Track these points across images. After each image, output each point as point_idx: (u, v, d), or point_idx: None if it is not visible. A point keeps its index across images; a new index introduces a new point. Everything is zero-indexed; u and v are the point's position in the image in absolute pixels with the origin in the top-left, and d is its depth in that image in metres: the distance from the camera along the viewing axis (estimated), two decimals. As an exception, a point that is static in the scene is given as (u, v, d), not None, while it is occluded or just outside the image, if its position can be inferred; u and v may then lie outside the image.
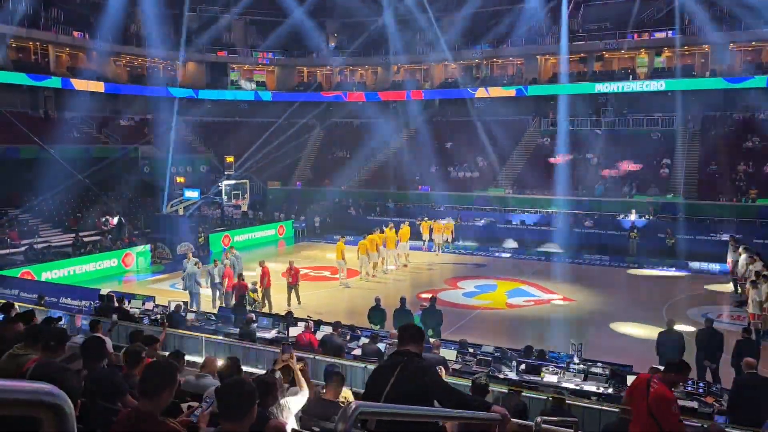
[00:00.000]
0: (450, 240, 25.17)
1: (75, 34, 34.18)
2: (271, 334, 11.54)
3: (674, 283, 20.51)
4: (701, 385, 8.85)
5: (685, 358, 10.38)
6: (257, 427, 3.26)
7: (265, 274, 16.03)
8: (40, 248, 22.35)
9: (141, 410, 2.81)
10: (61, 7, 34.38)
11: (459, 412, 2.62)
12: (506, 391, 7.60)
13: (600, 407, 7.36)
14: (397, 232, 22.08)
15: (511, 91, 36.29)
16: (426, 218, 26.13)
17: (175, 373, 2.96)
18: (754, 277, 14.40)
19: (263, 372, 6.94)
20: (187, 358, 7.86)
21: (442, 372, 6.27)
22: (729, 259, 19.46)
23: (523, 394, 7.66)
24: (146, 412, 2.77)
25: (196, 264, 15.89)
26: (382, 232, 21.40)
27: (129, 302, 13.28)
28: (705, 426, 6.65)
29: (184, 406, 4.61)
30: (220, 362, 5.82)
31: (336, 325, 10.61)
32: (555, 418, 4.72)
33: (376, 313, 12.95)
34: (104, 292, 14.55)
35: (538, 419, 3.48)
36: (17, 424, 1.21)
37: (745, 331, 10.64)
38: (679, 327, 11.24)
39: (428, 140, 35.89)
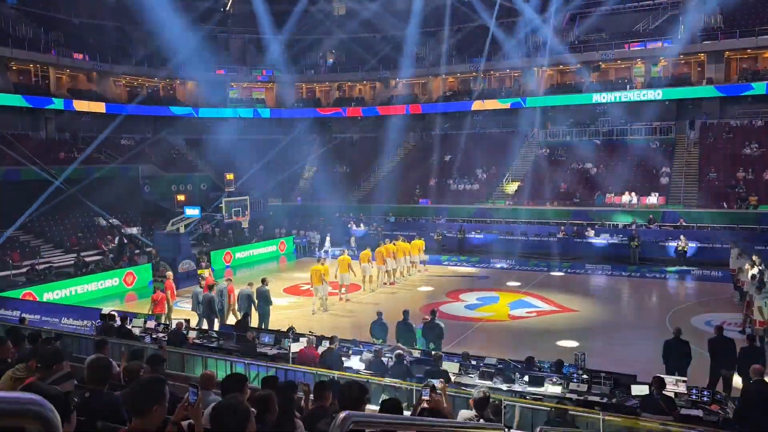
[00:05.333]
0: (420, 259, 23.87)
1: (75, 55, 34.46)
2: (273, 350, 11.51)
3: (677, 291, 20.46)
4: (705, 393, 8.78)
5: (692, 366, 10.37)
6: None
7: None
8: (42, 269, 22.37)
9: (135, 428, 2.79)
10: (61, 29, 34.70)
11: (457, 423, 2.61)
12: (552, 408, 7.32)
13: (603, 417, 7.31)
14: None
15: (508, 104, 36.48)
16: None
17: (163, 388, 2.92)
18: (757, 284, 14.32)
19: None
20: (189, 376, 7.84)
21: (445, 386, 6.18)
22: (731, 267, 19.41)
23: (525, 405, 7.62)
24: (140, 429, 2.76)
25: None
26: (394, 243, 21.78)
27: (131, 321, 13.25)
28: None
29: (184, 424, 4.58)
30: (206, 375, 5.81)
31: (333, 339, 10.57)
32: (558, 429, 4.68)
33: (378, 327, 12.91)
34: (106, 311, 14.52)
35: (538, 430, 3.46)
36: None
37: (749, 338, 10.59)
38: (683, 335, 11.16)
39: (427, 153, 36.00)
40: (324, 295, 17.78)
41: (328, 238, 27.97)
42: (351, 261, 19.46)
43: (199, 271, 22.30)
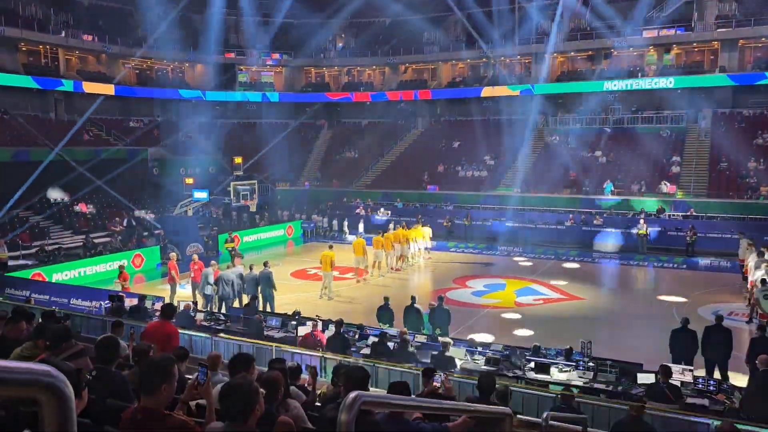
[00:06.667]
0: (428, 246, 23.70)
1: (85, 37, 34.43)
2: (280, 333, 11.58)
3: (685, 281, 20.36)
4: (712, 382, 8.78)
5: (699, 356, 10.37)
6: (265, 423, 3.26)
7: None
8: (51, 250, 22.52)
9: (144, 407, 2.81)
10: (71, 10, 34.64)
11: (466, 405, 2.62)
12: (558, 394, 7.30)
13: (609, 404, 7.32)
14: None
15: (517, 91, 36.20)
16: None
17: (171, 368, 2.93)
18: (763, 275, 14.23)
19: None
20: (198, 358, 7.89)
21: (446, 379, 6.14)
22: (740, 257, 19.30)
23: (532, 391, 7.63)
24: (149, 408, 2.78)
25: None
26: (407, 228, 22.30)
27: (143, 302, 13.36)
28: (716, 424, 6.62)
29: (192, 404, 4.61)
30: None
31: (339, 323, 10.62)
32: (564, 414, 4.69)
33: (385, 312, 12.96)
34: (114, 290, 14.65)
35: (545, 414, 3.47)
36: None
37: (760, 329, 10.55)
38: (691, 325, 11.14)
39: (436, 140, 35.85)
40: (329, 282, 17.79)
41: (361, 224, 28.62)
42: (365, 244, 19.70)
43: (226, 245, 22.62)
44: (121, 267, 17.00)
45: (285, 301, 16.12)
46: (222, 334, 11.10)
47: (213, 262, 16.77)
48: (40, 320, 7.14)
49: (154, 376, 2.85)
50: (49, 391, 0.86)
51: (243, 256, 18.75)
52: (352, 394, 1.57)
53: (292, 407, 4.47)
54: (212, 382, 5.23)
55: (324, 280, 17.74)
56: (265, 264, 15.84)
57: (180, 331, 10.98)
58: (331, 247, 18.56)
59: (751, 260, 17.09)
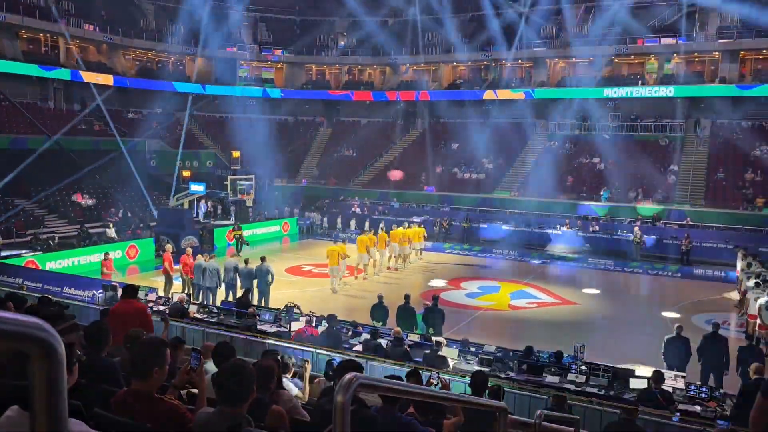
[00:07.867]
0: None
1: (86, 26, 34.29)
2: (273, 328, 11.53)
3: (679, 289, 20.39)
4: (704, 389, 8.78)
5: (691, 364, 10.37)
6: (258, 412, 3.23)
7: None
8: (46, 238, 22.41)
9: (135, 390, 2.78)
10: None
11: (460, 396, 2.59)
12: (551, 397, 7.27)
13: (602, 408, 7.31)
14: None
15: (519, 94, 36.18)
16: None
17: (164, 351, 2.90)
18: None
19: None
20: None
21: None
22: (738, 269, 19.31)
23: (524, 393, 7.61)
24: (140, 391, 2.75)
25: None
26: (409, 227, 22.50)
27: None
28: (708, 430, 6.62)
29: (183, 392, 4.58)
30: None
31: (330, 319, 10.59)
32: (556, 414, 4.67)
33: (379, 310, 12.94)
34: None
35: (539, 412, 3.46)
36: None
37: (747, 337, 10.61)
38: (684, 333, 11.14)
39: (435, 141, 35.83)
40: (339, 275, 17.99)
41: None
42: (369, 241, 19.71)
43: (233, 233, 22.56)
44: (105, 254, 17.44)
45: (279, 296, 16.06)
46: (215, 327, 11.06)
47: (204, 253, 16.78)
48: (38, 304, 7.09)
49: (146, 360, 2.82)
50: (40, 345, 0.83)
51: (249, 243, 18.94)
52: (349, 375, 1.54)
53: (285, 398, 4.44)
54: (204, 370, 5.17)
55: (335, 275, 17.90)
56: (263, 259, 15.83)
57: (173, 322, 10.96)
58: (335, 241, 18.59)
59: (741, 271, 17.16)
